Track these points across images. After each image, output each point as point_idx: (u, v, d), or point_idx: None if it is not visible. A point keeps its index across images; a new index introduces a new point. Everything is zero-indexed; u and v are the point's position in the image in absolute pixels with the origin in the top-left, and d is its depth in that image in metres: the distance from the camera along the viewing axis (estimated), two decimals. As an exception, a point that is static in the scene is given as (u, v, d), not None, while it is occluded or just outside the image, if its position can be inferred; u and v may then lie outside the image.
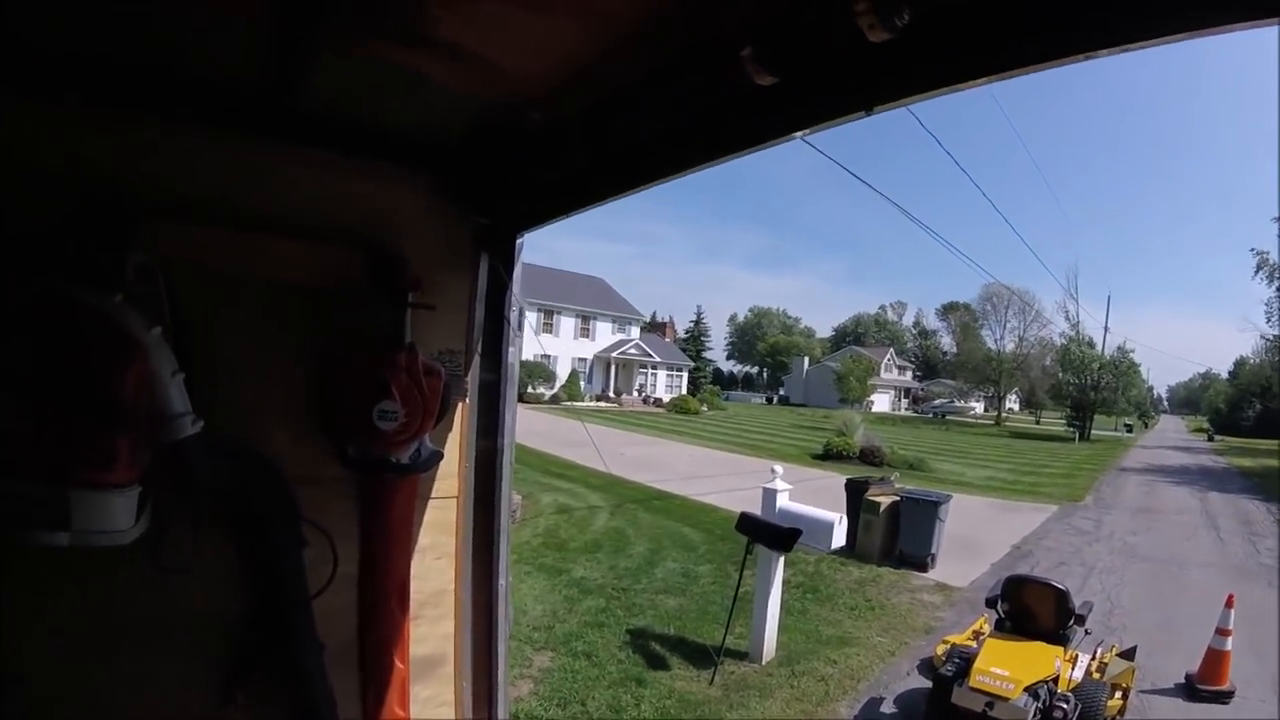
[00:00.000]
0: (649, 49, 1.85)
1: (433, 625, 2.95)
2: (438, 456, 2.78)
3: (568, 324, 60.25)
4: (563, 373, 54.81)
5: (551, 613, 9.00)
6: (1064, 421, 65.88)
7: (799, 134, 1.88)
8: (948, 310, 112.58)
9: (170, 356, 2.00)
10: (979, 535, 15.30)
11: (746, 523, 8.03)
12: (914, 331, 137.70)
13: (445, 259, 2.88)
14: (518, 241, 3.04)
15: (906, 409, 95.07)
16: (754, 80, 1.59)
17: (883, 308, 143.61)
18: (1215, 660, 7.84)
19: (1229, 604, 7.96)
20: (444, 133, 2.62)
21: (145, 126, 2.21)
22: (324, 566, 2.52)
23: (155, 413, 1.95)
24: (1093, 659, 7.13)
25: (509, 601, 3.22)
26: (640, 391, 65.05)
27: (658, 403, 60.91)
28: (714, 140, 2.01)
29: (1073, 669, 6.72)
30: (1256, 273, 41.33)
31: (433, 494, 2.90)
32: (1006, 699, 6.03)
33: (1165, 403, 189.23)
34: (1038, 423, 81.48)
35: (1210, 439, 71.55)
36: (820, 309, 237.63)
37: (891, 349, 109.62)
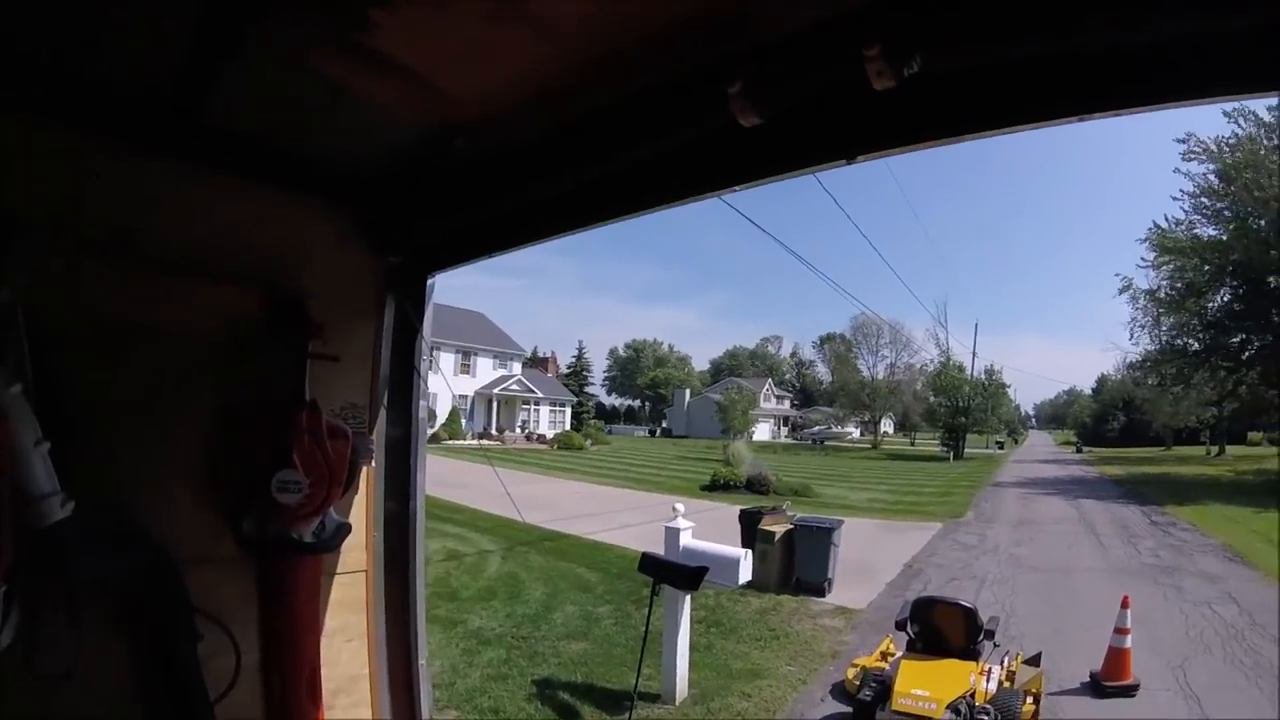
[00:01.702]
0: (624, 76, 1.67)
1: (348, 714, 2.61)
2: (345, 530, 2.47)
3: (447, 360, 58.94)
4: (443, 411, 53.47)
5: (451, 668, 8.52)
6: (938, 442, 68.49)
7: (774, 178, 1.77)
8: (824, 341, 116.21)
9: (34, 422, 1.66)
10: (870, 557, 15.51)
11: (650, 563, 7.79)
12: (791, 362, 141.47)
13: (350, 302, 2.60)
14: (429, 283, 2.78)
15: (786, 436, 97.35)
16: (737, 119, 1.45)
17: (763, 340, 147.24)
18: (1117, 658, 8.14)
19: (1124, 604, 8.32)
20: (360, 159, 2.34)
21: (19, 131, 1.83)
22: (223, 659, 2.18)
23: (16, 494, 1.61)
24: (1002, 669, 7.27)
25: (429, 681, 2.91)
26: (524, 428, 64.22)
27: (541, 439, 60.18)
28: (680, 180, 1.87)
29: (986, 681, 6.83)
30: (1121, 293, 44.70)
31: (339, 568, 2.59)
32: (931, 718, 6.08)
33: (1033, 420, 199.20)
34: (913, 444, 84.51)
35: (1078, 450, 76.12)
36: (700, 342, 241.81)
37: (770, 379, 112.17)
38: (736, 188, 1.89)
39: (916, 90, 1.34)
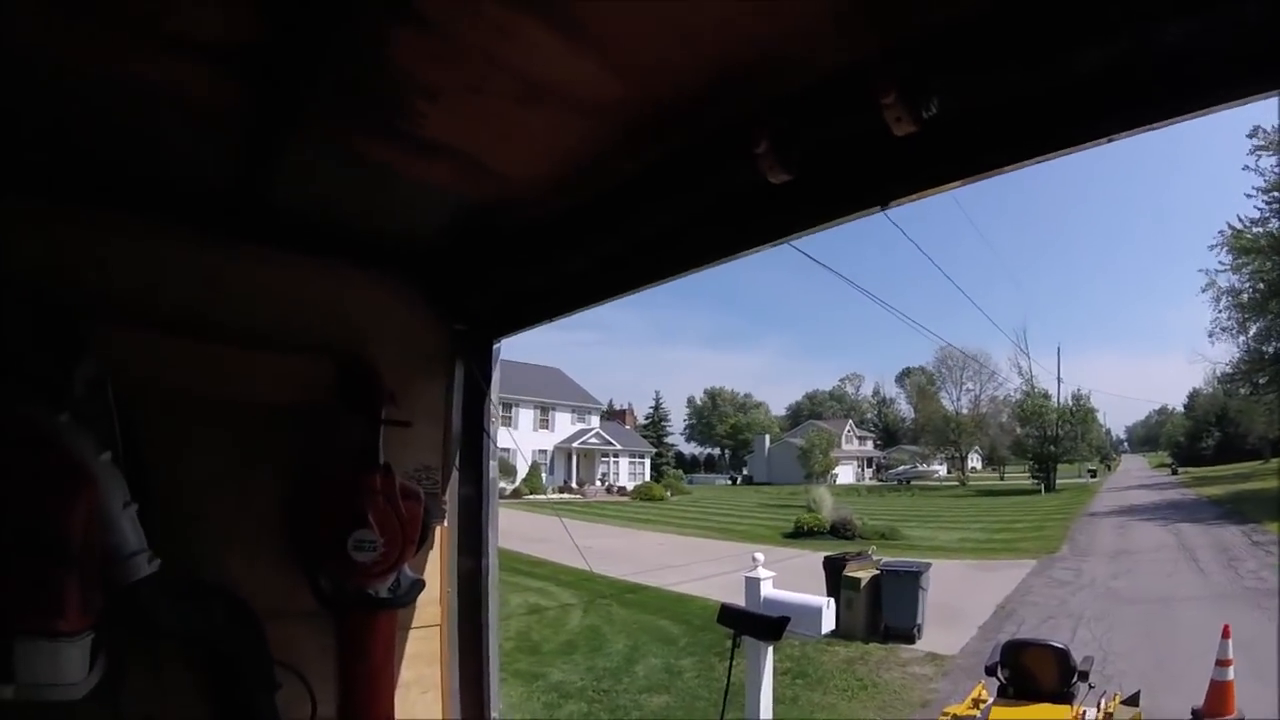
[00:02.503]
0: (654, 144, 1.77)
1: None
2: (419, 586, 2.57)
3: (526, 416, 59.66)
4: (523, 466, 53.93)
5: (531, 722, 8.58)
6: (1028, 475, 65.91)
7: (810, 231, 1.81)
8: (905, 375, 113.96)
9: (123, 485, 1.81)
10: (961, 600, 15.06)
11: (729, 614, 7.74)
12: (872, 401, 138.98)
13: (420, 368, 2.73)
14: (495, 347, 2.90)
15: (871, 478, 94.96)
16: (767, 177, 1.51)
17: (842, 380, 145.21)
18: (1219, 692, 7.72)
19: (1225, 634, 7.87)
20: (422, 233, 2.49)
21: (102, 225, 2.05)
22: (299, 709, 2.28)
23: (107, 552, 1.76)
24: (1099, 711, 6.95)
25: (503, 731, 2.97)
26: (603, 480, 64.25)
27: (621, 491, 60.06)
28: (722, 238, 1.93)
29: None
30: (1204, 290, 42.60)
31: (414, 623, 2.68)
32: None
33: (1125, 443, 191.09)
34: (1002, 479, 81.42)
35: (1174, 473, 71.48)
36: (775, 385, 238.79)
37: (850, 420, 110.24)
38: (777, 242, 1.94)
39: (940, 131, 1.38)
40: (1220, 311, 42.59)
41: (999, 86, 1.34)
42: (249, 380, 2.31)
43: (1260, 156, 34.99)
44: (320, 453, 2.42)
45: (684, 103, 1.65)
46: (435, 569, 2.77)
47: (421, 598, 2.62)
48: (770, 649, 7.98)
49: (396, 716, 2.54)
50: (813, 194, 1.72)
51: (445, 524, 2.81)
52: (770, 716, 7.92)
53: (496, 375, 2.97)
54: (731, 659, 7.49)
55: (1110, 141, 1.41)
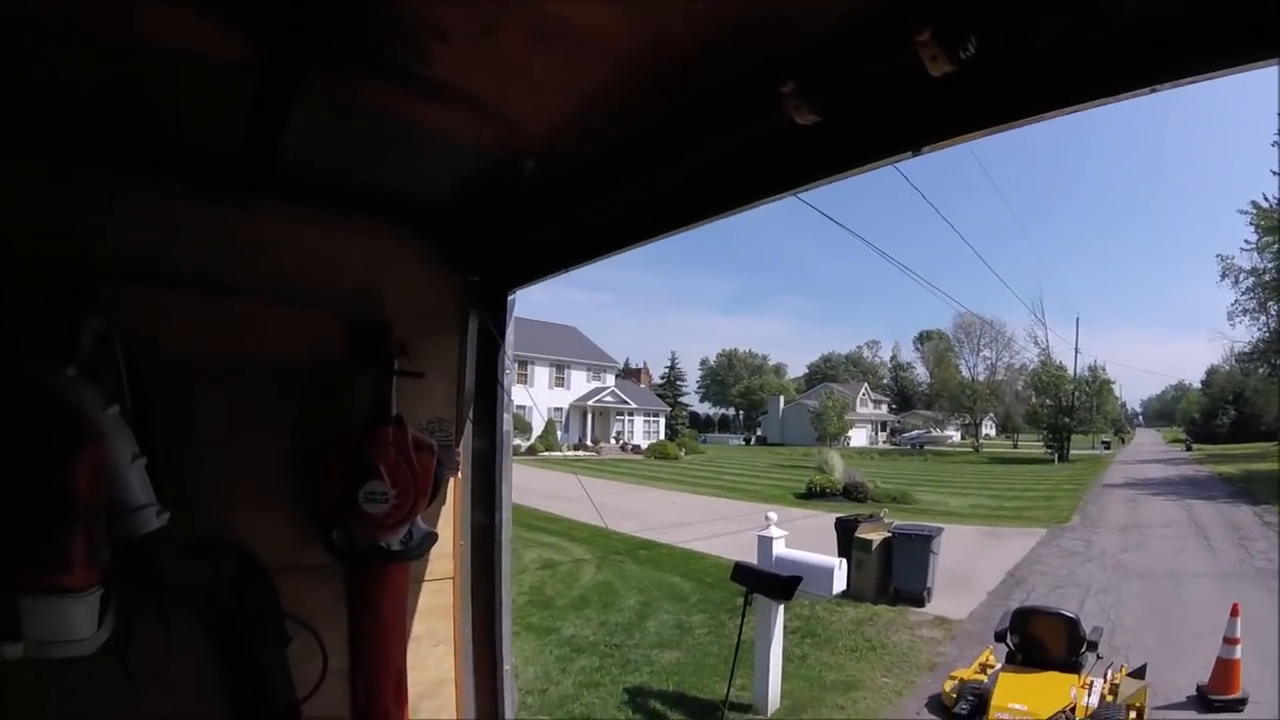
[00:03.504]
0: (678, 86, 1.70)
1: (433, 716, 2.70)
2: (432, 539, 2.56)
3: (542, 374, 59.93)
4: (538, 423, 54.25)
5: (544, 674, 8.67)
6: (1042, 444, 65.62)
7: (838, 176, 1.74)
8: (924, 339, 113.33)
9: (130, 439, 1.79)
10: (971, 565, 15.10)
11: (743, 573, 7.75)
12: (889, 366, 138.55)
13: (433, 321, 2.70)
14: (510, 299, 2.86)
15: (884, 442, 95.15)
16: (794, 119, 1.45)
17: (859, 347, 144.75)
18: (1225, 670, 7.78)
19: (1234, 613, 7.92)
20: (434, 185, 2.44)
21: (111, 183, 2.03)
22: (311, 663, 2.29)
23: (114, 506, 1.74)
24: (1105, 682, 6.98)
25: (514, 687, 2.98)
26: (618, 439, 64.59)
27: (636, 449, 60.42)
28: (746, 184, 1.87)
29: (1088, 695, 6.57)
30: (1223, 278, 42.24)
31: (426, 576, 2.68)
32: None
33: (1140, 417, 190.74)
34: (1015, 447, 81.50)
35: (1188, 449, 71.63)
36: (792, 349, 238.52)
37: (866, 384, 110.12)
38: (805, 187, 1.87)
39: (977, 73, 1.31)
40: (1242, 294, 42.07)
41: (1041, 25, 1.27)
42: (260, 336, 2.29)
43: None
44: (332, 406, 2.40)
45: (708, 45, 1.58)
46: (448, 523, 2.76)
47: (434, 551, 2.61)
48: (781, 608, 8.04)
49: (408, 669, 2.55)
50: (841, 137, 1.65)
51: (459, 477, 2.79)
52: (779, 674, 8.00)
53: (511, 328, 2.93)
54: (743, 616, 7.61)
55: (1153, 91, 1.33)
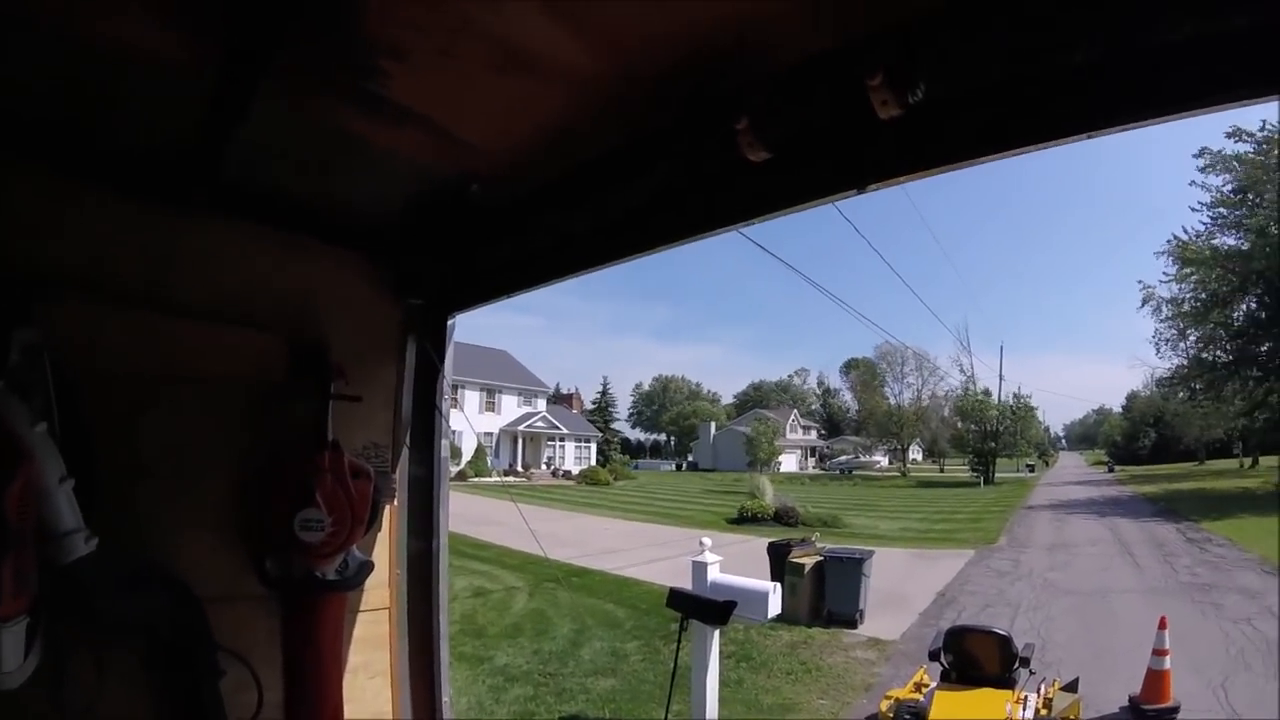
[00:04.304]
0: (634, 117, 1.71)
1: None
2: (368, 568, 2.50)
3: (473, 397, 59.17)
4: (468, 448, 53.56)
5: (478, 704, 8.49)
6: (968, 468, 67.38)
7: (785, 211, 1.78)
8: (849, 368, 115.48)
9: (58, 459, 1.71)
10: (902, 587, 15.30)
11: (678, 598, 7.74)
12: (818, 392, 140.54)
13: (372, 344, 2.65)
14: (450, 323, 2.83)
15: (814, 467, 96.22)
16: (746, 155, 1.48)
17: (789, 375, 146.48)
18: (1156, 680, 8.00)
19: (1162, 625, 8.14)
20: (379, 206, 2.41)
21: (52, 192, 1.95)
22: (246, 695, 2.21)
23: (42, 530, 1.65)
24: (1039, 696, 7.11)
25: (452, 716, 2.91)
26: (549, 464, 64.08)
27: (567, 475, 59.95)
28: (694, 216, 1.89)
29: (1023, 710, 6.66)
30: (1143, 305, 44.27)
31: (362, 606, 2.61)
32: None
33: (1063, 441, 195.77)
34: (942, 471, 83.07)
35: (1110, 470, 74.01)
36: (724, 377, 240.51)
37: (795, 410, 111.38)
38: (751, 221, 1.90)
39: (924, 117, 1.36)
40: (1162, 322, 44.07)
41: (987, 74, 1.32)
42: (197, 354, 2.22)
43: (1208, 174, 36.35)
44: (268, 430, 2.34)
45: (665, 79, 1.60)
46: (384, 551, 2.70)
47: (370, 580, 2.55)
48: (716, 633, 8.02)
49: (345, 701, 2.48)
50: (790, 174, 1.69)
51: (395, 504, 2.74)
52: (716, 699, 7.98)
53: (450, 352, 2.89)
54: (679, 642, 7.57)
55: (1093, 137, 1.40)
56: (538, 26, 1.46)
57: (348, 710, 2.48)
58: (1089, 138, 1.40)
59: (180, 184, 2.04)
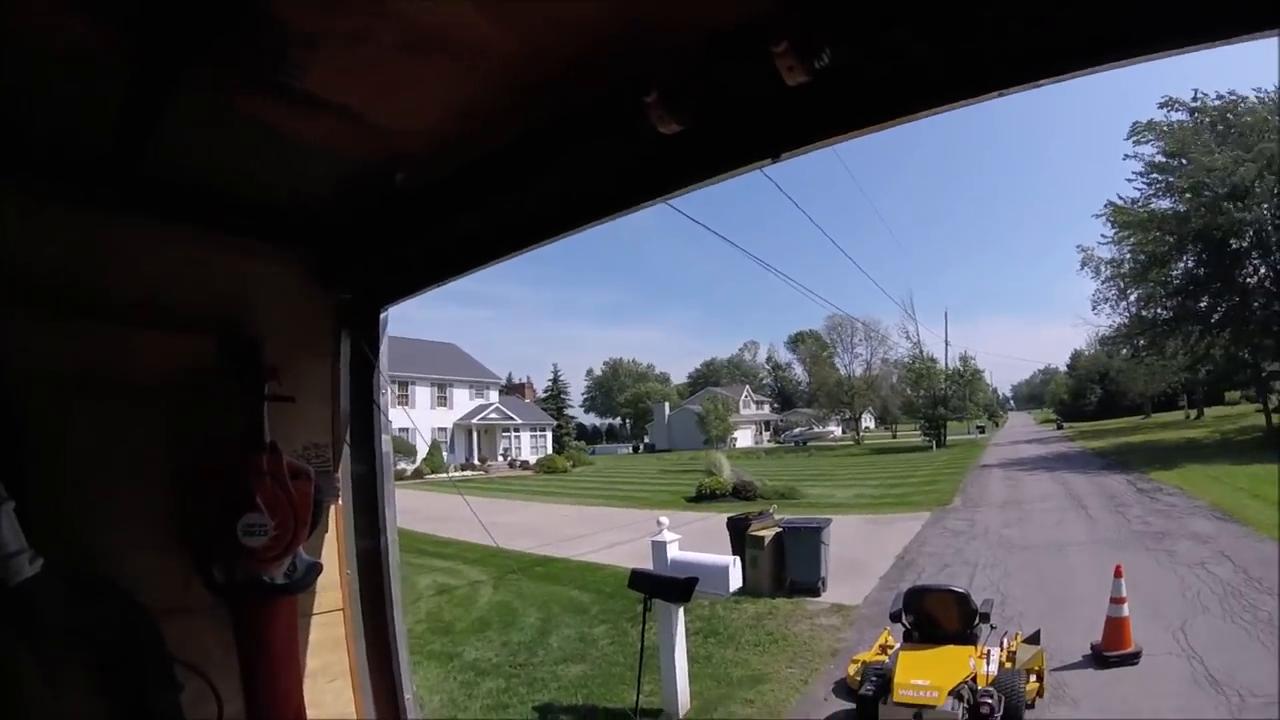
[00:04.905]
0: (549, 96, 1.70)
1: None
2: (316, 569, 2.45)
3: (424, 394, 58.59)
4: (422, 445, 52.99)
5: (450, 701, 8.44)
6: (920, 433, 68.56)
7: (704, 183, 1.79)
8: (796, 341, 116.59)
9: None
10: (862, 552, 15.53)
11: (639, 579, 7.75)
12: (768, 367, 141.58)
13: (305, 341, 2.60)
14: (382, 317, 2.78)
15: (769, 441, 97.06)
16: (658, 129, 1.48)
17: (739, 350, 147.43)
18: (1116, 627, 8.19)
19: (1118, 574, 8.37)
20: (304, 197, 2.36)
21: None
22: (207, 706, 2.16)
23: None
24: (1002, 650, 7.31)
25: (416, 713, 2.88)
26: (505, 456, 63.72)
27: (524, 465, 59.71)
28: (617, 192, 1.89)
29: (987, 664, 6.85)
30: (1082, 268, 45.36)
31: (315, 609, 2.57)
32: (933, 706, 6.08)
33: (1011, 401, 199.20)
34: (894, 437, 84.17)
35: (1059, 428, 75.85)
36: (674, 357, 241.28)
37: (748, 386, 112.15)
38: (673, 194, 1.91)
39: (831, 83, 1.37)
40: (1103, 283, 45.10)
41: (891, 38, 1.33)
42: (126, 356, 2.16)
43: (1139, 144, 37.64)
44: (205, 434, 2.28)
45: (577, 57, 1.59)
46: (332, 551, 2.66)
47: (321, 582, 2.51)
48: (681, 610, 8.07)
49: (307, 706, 2.43)
50: (704, 146, 1.71)
51: (339, 504, 2.69)
52: (686, 676, 8.03)
53: (385, 346, 2.85)
54: (644, 623, 7.58)
55: (1000, 96, 1.43)
56: (447, 6, 1.43)
57: (311, 714, 2.44)
58: (999, 95, 1.42)
59: (101, 181, 1.99)
